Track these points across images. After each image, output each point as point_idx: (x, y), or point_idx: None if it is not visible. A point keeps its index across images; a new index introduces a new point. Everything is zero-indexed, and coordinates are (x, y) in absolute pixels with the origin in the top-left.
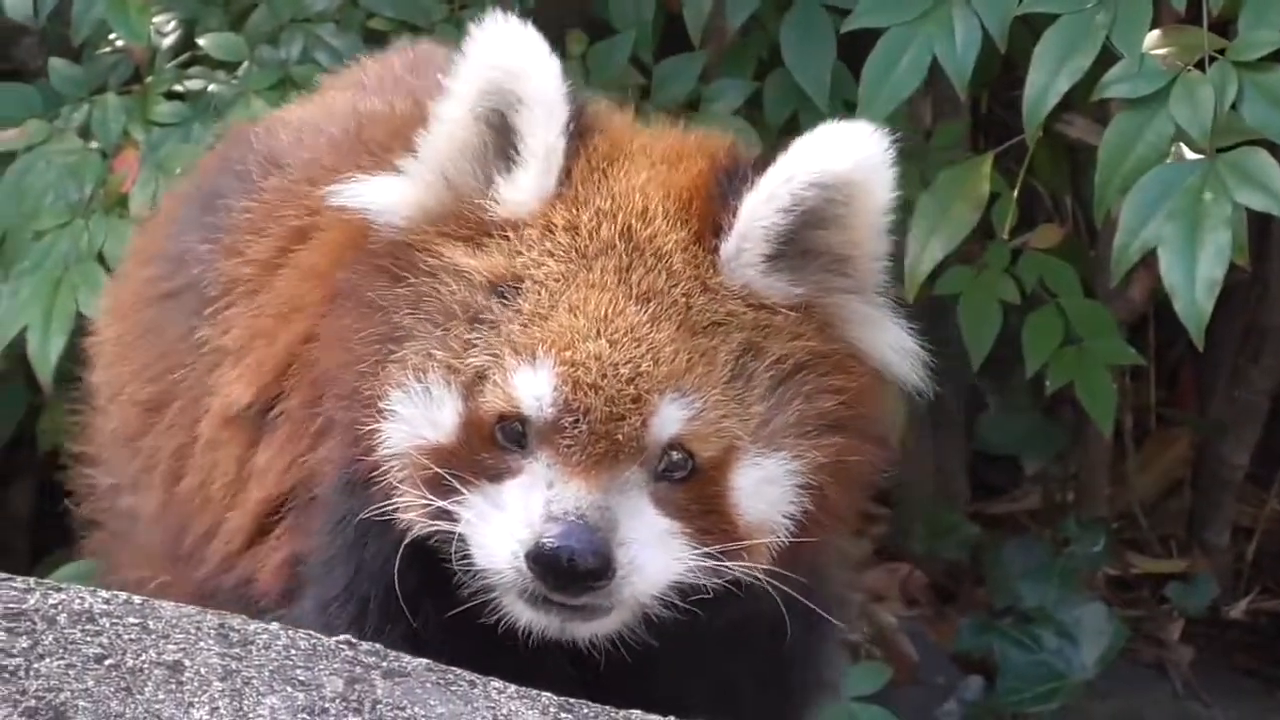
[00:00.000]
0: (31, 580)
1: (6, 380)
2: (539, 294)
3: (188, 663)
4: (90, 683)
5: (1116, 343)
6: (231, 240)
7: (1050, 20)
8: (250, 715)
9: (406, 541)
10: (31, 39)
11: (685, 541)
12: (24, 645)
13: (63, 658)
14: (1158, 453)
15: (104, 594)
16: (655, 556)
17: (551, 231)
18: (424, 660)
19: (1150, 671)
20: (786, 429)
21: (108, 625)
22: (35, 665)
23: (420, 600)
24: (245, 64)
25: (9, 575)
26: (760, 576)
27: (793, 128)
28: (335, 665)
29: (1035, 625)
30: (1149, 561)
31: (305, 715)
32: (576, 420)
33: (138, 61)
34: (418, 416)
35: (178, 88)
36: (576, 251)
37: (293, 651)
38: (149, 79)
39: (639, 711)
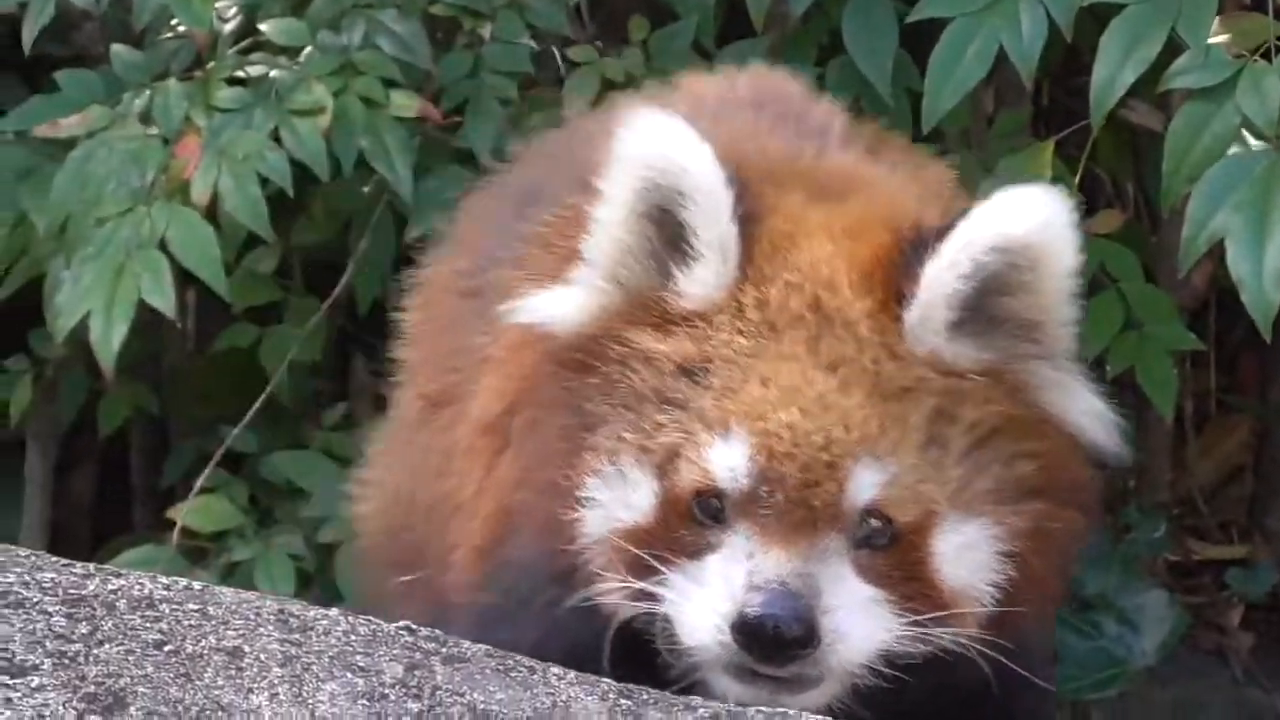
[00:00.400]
0: (91, 566)
1: (68, 367)
2: (729, 370)
3: (247, 648)
4: (150, 668)
5: (1177, 328)
6: (522, 252)
7: (1115, 9)
8: (310, 701)
9: (615, 627)
10: (93, 25)
11: (890, 609)
12: (84, 631)
13: (122, 644)
14: (1218, 439)
15: (164, 580)
16: (861, 623)
17: (740, 312)
18: (483, 646)
19: (1210, 658)
20: (985, 494)
21: (167, 611)
22: (95, 651)
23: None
24: (307, 49)
25: (69, 561)
26: (967, 643)
27: (854, 113)
28: (395, 651)
29: (1095, 612)
30: (1209, 548)
31: (365, 701)
32: (772, 490)
33: (200, 47)
34: (614, 500)
35: (239, 74)
36: (766, 326)
37: (352, 637)
38: (210, 65)
39: (698, 698)
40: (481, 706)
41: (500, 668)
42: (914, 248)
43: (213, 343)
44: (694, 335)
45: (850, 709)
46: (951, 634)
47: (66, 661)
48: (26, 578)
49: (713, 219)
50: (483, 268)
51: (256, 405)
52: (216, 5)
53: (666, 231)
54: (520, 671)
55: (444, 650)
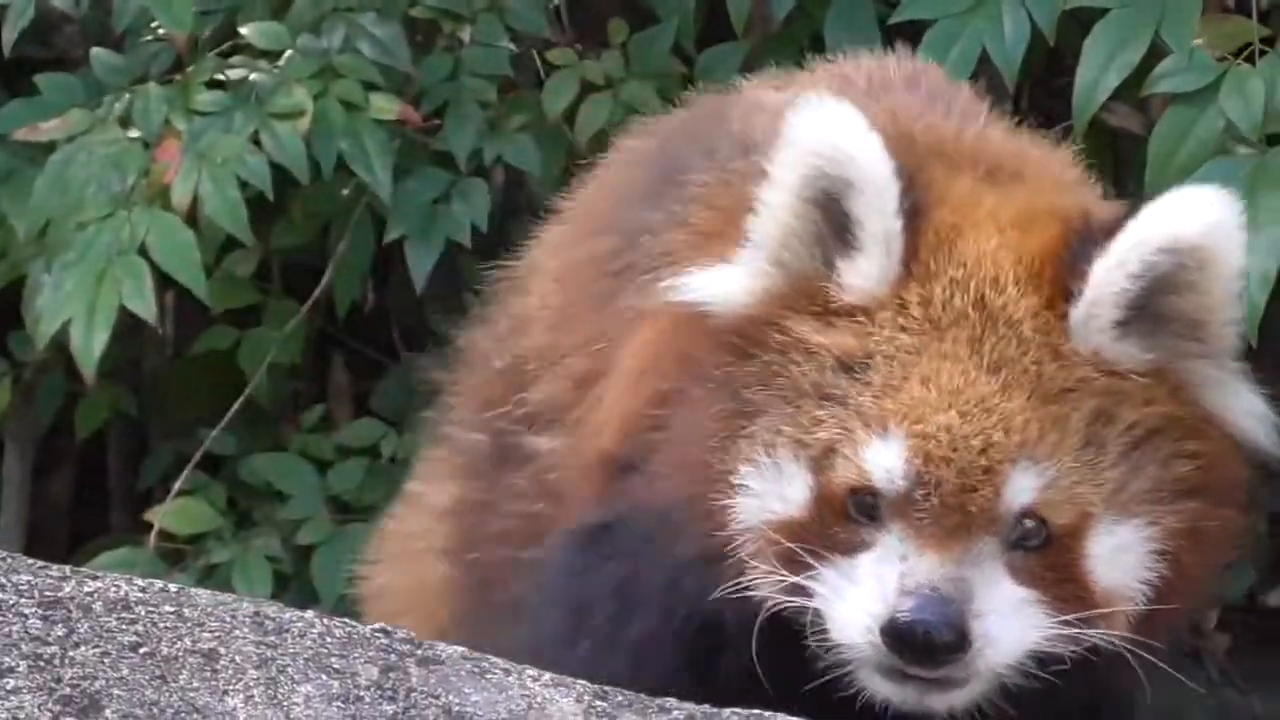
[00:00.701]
0: (67, 568)
1: (46, 369)
2: (890, 367)
3: (223, 650)
4: (125, 671)
5: None
6: (683, 211)
7: (1098, 13)
8: (285, 703)
9: (763, 617)
10: (73, 27)
11: (1042, 610)
12: (59, 633)
13: (98, 646)
14: None
15: (139, 582)
16: (1012, 626)
17: (903, 309)
18: (459, 648)
19: (1186, 659)
20: (1141, 495)
21: (143, 613)
22: (70, 653)
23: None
24: (288, 53)
25: (45, 563)
26: (1118, 644)
27: None
28: (370, 653)
29: None
30: None
31: (340, 703)
32: (928, 493)
33: (180, 50)
34: (769, 491)
35: (219, 76)
36: (930, 323)
37: (328, 640)
38: (190, 68)
39: (673, 700)
40: (457, 708)
41: (475, 670)
42: (1082, 243)
43: (191, 345)
44: (855, 329)
45: (997, 708)
46: (1102, 634)
47: (42, 664)
48: (2, 580)
49: (878, 212)
50: (628, 243)
51: (235, 407)
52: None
53: (833, 219)
54: (495, 673)
55: (419, 652)
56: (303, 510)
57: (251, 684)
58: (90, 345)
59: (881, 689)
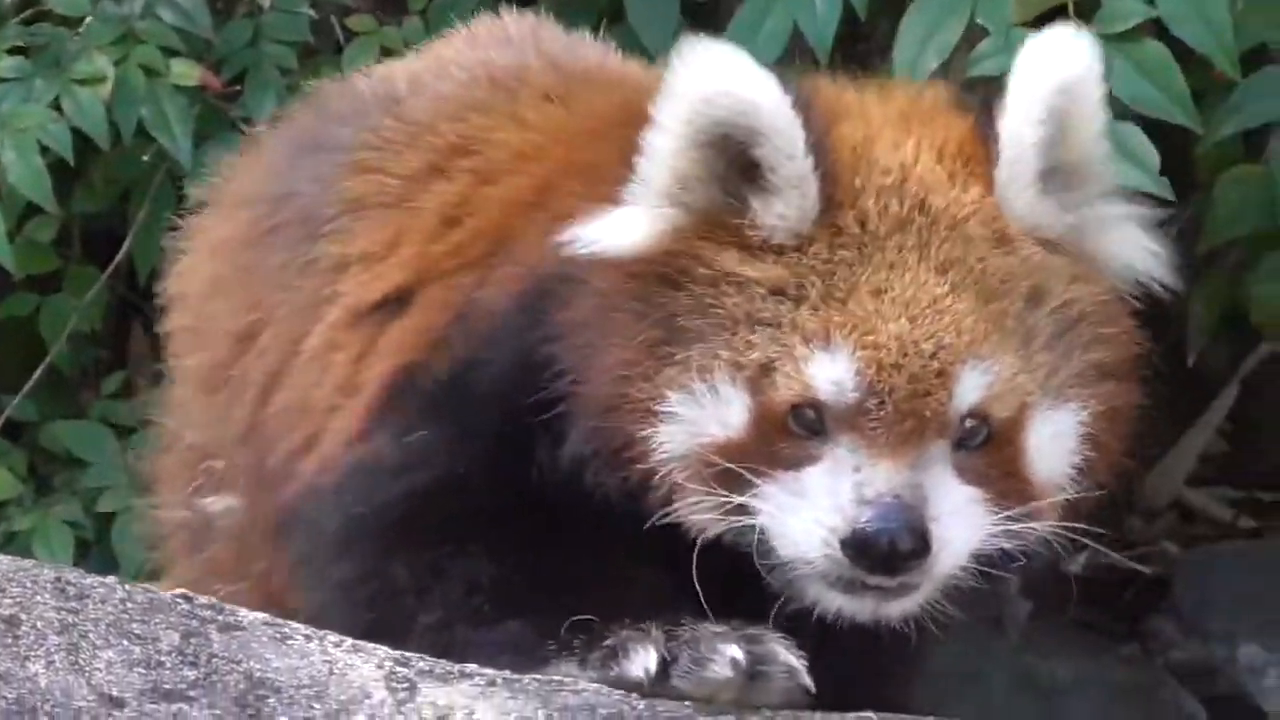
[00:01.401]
0: None
1: None
2: (829, 284)
3: (24, 616)
4: None
5: None
6: (359, 159)
7: None
8: (87, 669)
9: (704, 541)
10: None
11: (986, 508)
12: None
13: None
14: None
15: None
16: (963, 527)
17: (838, 234)
18: (261, 615)
19: (988, 625)
20: (1071, 380)
21: None
22: None
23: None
24: (88, 19)
25: None
26: (1051, 535)
27: None
28: (172, 619)
29: None
30: None
31: (142, 669)
32: (881, 402)
33: None
34: (703, 416)
35: (19, 43)
36: (870, 236)
37: (129, 605)
38: None
39: (473, 665)
40: (258, 674)
41: (277, 635)
42: (983, 110)
43: None
44: (785, 262)
45: (942, 610)
46: (1039, 526)
47: None
48: None
49: (787, 157)
50: (277, 207)
51: (36, 375)
52: None
53: (736, 162)
54: (297, 639)
55: (220, 618)
56: (103, 478)
57: (53, 650)
58: None
59: (835, 602)
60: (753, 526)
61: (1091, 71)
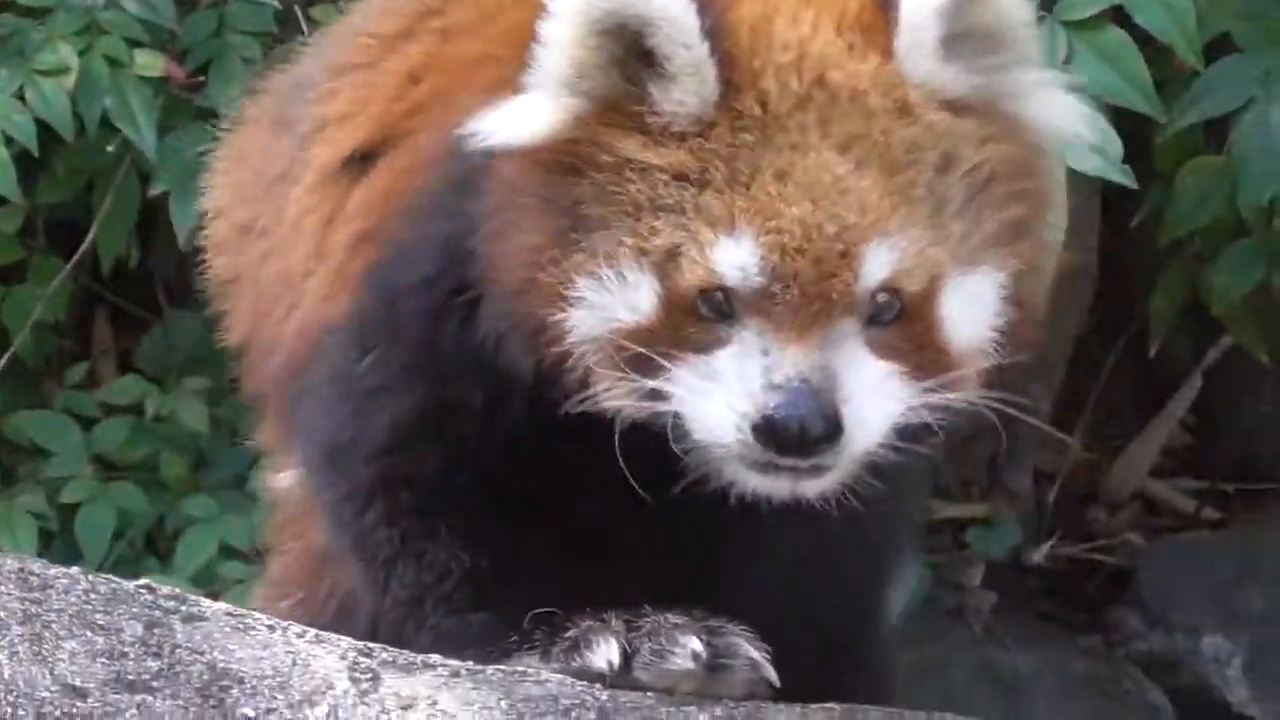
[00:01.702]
0: None
1: None
2: (732, 168)
3: None
4: None
5: None
6: (350, 25)
7: None
8: (50, 659)
9: (622, 425)
10: None
11: (903, 382)
12: None
13: None
14: None
15: None
16: (879, 404)
17: (739, 116)
18: (223, 605)
19: (951, 616)
20: (985, 242)
21: None
22: None
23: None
24: (53, 11)
25: None
26: (977, 403)
27: None
28: (134, 610)
29: None
30: (949, 506)
31: (105, 659)
32: (786, 286)
33: None
34: (612, 301)
35: None
36: (771, 118)
37: (92, 596)
38: None
39: (437, 656)
40: (221, 665)
41: (240, 626)
42: None
43: None
44: (688, 147)
45: (862, 485)
46: (961, 396)
47: None
48: None
49: (682, 45)
50: (287, 94)
51: None
52: None
53: (633, 49)
54: (260, 630)
55: (183, 609)
56: (67, 468)
57: (16, 640)
58: None
59: (752, 482)
60: (667, 411)
61: None
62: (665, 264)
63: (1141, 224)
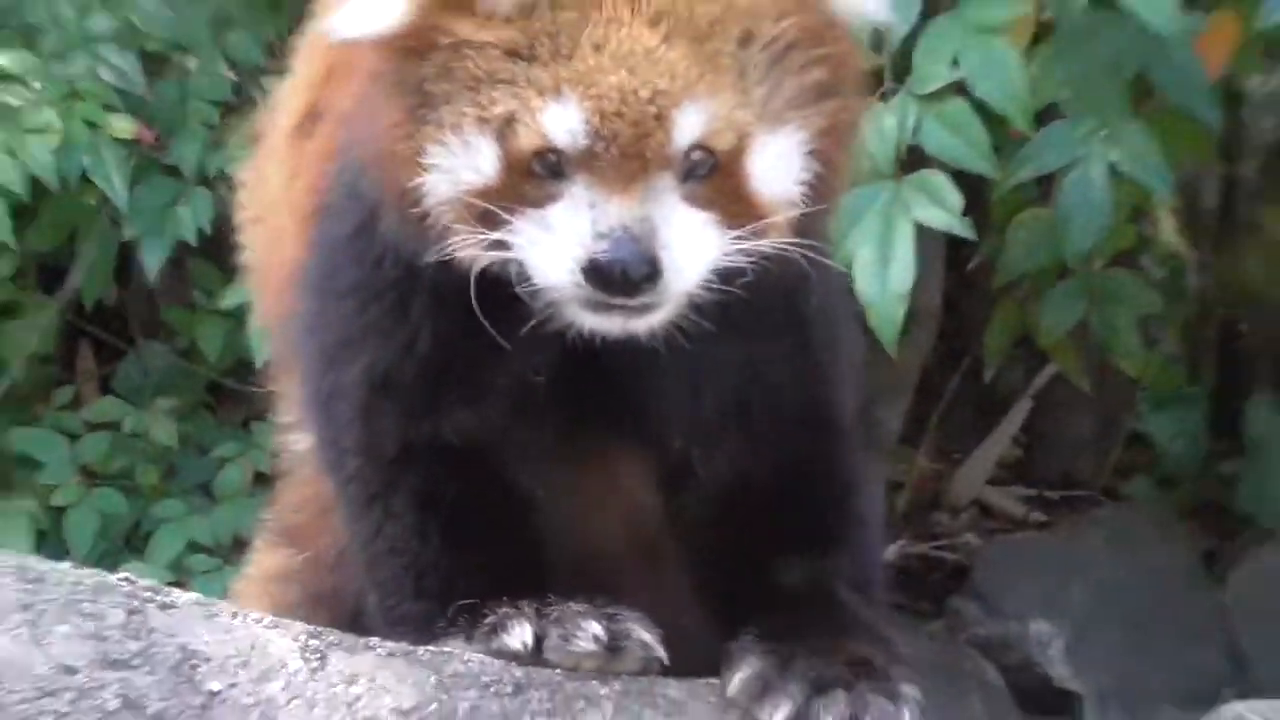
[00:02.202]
0: None
1: None
2: (556, 42)
3: None
4: None
5: None
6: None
7: None
8: (44, 642)
9: (475, 272)
10: None
11: (718, 229)
12: None
13: None
14: None
15: None
16: (695, 249)
17: None
18: (193, 595)
19: None
20: (788, 104)
21: None
22: None
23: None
24: (40, 79)
25: None
26: (786, 247)
27: None
28: (117, 599)
29: None
30: None
31: (92, 642)
32: (607, 145)
33: None
34: (459, 165)
35: None
36: None
37: (80, 587)
38: None
39: (376, 639)
40: (191, 646)
41: (207, 614)
42: None
43: None
44: (517, 26)
45: (690, 321)
46: (770, 242)
47: None
48: None
49: None
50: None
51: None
52: None
53: None
54: (224, 617)
55: (159, 599)
56: (55, 477)
57: (15, 625)
58: None
59: (589, 321)
60: (511, 259)
61: None
62: (503, 130)
63: (978, 268)
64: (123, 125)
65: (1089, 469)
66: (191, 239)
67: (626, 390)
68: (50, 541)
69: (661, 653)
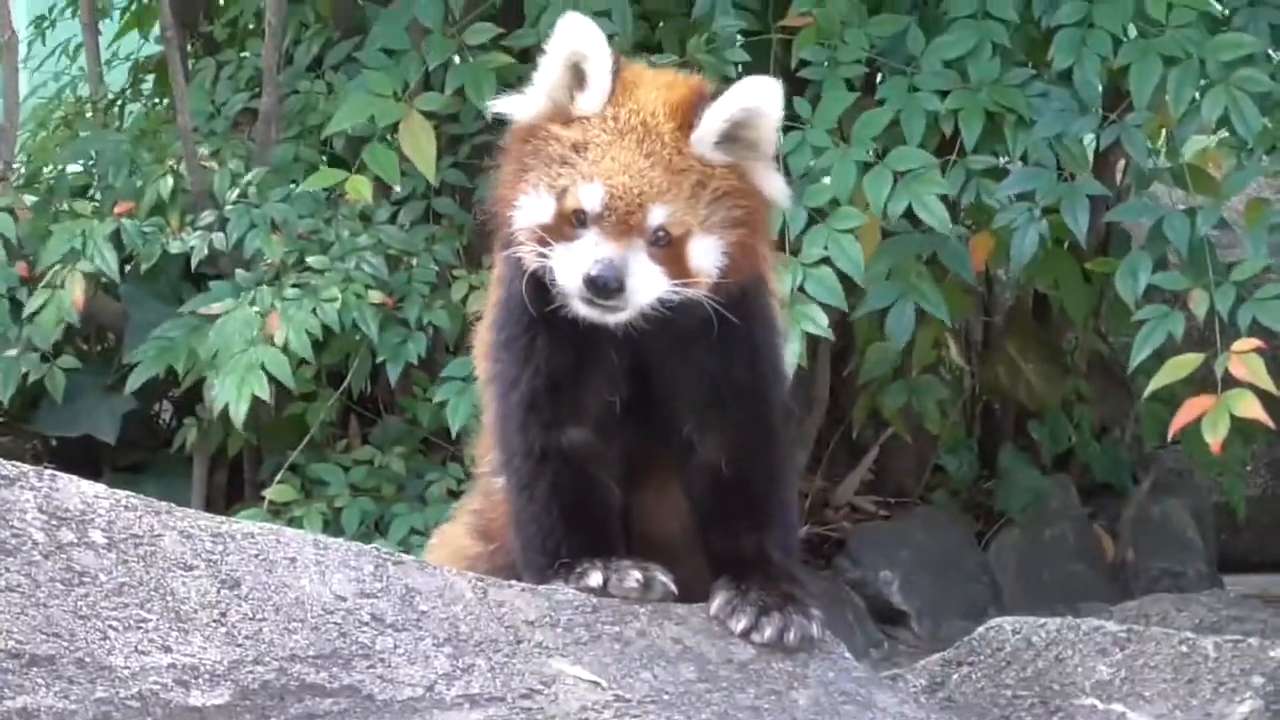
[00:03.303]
0: (222, 518)
1: (213, 425)
2: (595, 150)
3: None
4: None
5: None
6: None
7: None
8: (327, 581)
9: (529, 271)
10: (225, 258)
11: (664, 277)
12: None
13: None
14: None
15: (240, 523)
16: (648, 283)
17: (605, 121)
18: (414, 558)
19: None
20: (717, 224)
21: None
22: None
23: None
24: (330, 271)
25: (209, 515)
26: (705, 293)
27: None
28: (370, 558)
29: None
30: None
31: (355, 583)
32: (611, 215)
33: (276, 268)
34: (533, 209)
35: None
36: (617, 130)
37: (348, 551)
38: (281, 276)
39: (517, 581)
40: (412, 585)
41: (420, 568)
42: (700, 99)
43: (281, 412)
44: (581, 129)
45: (646, 326)
46: (695, 290)
47: None
48: (182, 524)
49: (599, 73)
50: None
51: (302, 445)
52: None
53: (576, 76)
54: (430, 570)
55: (393, 559)
56: (336, 490)
57: (312, 572)
58: (238, 411)
59: (582, 310)
60: (549, 267)
61: (766, 103)
62: (561, 194)
63: (850, 372)
64: (375, 295)
65: (912, 486)
66: (415, 361)
67: (655, 392)
68: (332, 528)
69: (674, 590)
